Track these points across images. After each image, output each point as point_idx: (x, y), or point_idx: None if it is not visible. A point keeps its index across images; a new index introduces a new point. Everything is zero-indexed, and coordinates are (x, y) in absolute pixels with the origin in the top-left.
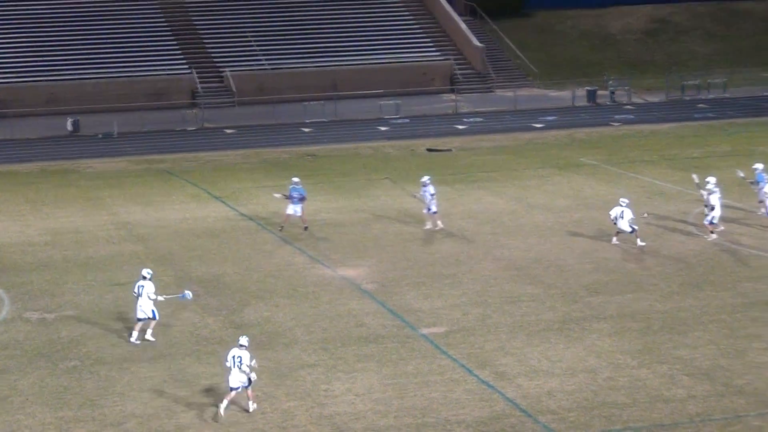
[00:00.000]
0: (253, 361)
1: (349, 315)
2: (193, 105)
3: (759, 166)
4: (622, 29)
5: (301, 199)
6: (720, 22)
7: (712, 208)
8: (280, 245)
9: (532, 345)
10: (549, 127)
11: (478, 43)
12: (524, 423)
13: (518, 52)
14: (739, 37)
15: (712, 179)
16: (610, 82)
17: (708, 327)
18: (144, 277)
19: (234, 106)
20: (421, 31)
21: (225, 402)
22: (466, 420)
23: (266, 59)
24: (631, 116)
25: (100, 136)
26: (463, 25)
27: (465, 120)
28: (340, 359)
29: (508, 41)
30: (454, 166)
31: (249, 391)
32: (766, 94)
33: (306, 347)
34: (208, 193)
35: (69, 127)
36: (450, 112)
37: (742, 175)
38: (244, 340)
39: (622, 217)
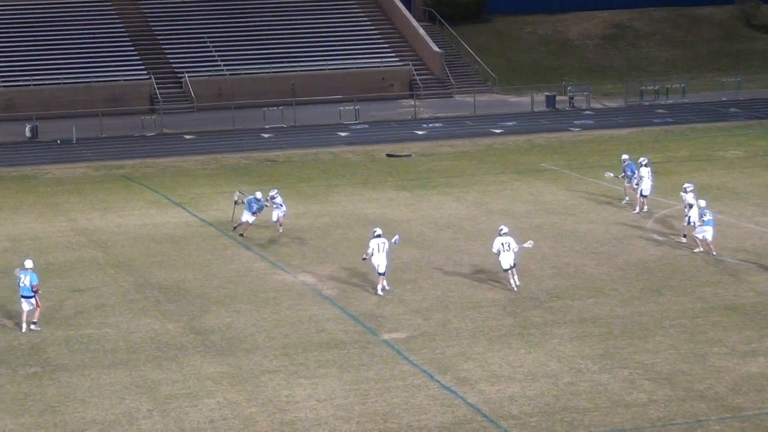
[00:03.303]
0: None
1: (310, 321)
2: (152, 111)
3: (625, 156)
4: (580, 35)
5: (260, 209)
6: (678, 28)
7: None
8: (240, 251)
9: (494, 350)
10: (508, 132)
11: (437, 49)
12: (486, 428)
13: (477, 57)
14: (697, 42)
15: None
16: (569, 87)
17: (668, 332)
18: (379, 236)
19: (193, 111)
20: (379, 36)
21: (514, 279)
22: (428, 425)
23: (225, 65)
24: (591, 121)
25: (59, 142)
26: (422, 31)
27: (424, 125)
28: (301, 365)
29: (467, 47)
30: (414, 172)
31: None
32: (724, 99)
33: (267, 353)
34: (168, 199)
35: (27, 133)
36: (409, 117)
37: (611, 175)
38: (505, 229)
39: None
